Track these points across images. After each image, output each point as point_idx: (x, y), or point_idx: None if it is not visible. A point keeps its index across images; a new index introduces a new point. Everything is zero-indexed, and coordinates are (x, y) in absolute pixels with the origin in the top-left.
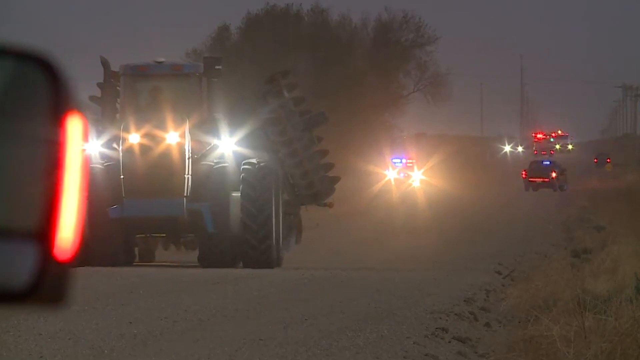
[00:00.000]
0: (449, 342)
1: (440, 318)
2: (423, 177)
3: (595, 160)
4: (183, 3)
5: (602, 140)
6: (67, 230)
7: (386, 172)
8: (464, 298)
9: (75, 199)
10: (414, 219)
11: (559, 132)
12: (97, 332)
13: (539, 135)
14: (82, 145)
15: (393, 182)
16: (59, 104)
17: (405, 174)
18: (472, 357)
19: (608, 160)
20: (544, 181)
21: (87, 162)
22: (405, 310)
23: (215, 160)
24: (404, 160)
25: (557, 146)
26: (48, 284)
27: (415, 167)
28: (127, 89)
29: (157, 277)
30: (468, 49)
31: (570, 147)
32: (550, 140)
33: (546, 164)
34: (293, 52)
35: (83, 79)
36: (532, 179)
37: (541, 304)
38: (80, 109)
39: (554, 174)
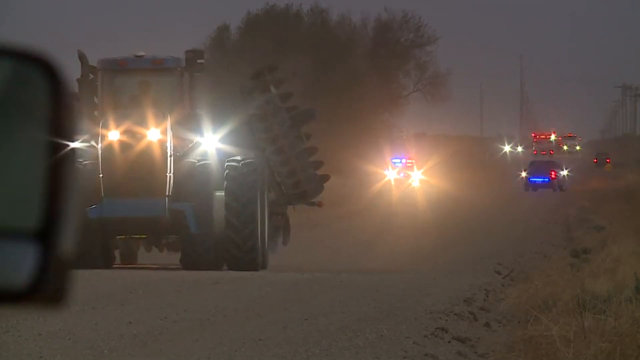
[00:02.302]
0: (449, 342)
1: (440, 318)
2: (423, 177)
3: (595, 160)
4: (183, 3)
5: (602, 140)
6: (67, 230)
7: (386, 172)
8: (463, 298)
9: (74, 199)
10: (413, 219)
11: (568, 133)
12: (97, 332)
13: (541, 137)
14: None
15: (393, 182)
16: (58, 104)
17: (405, 174)
18: (471, 357)
19: (607, 160)
20: (543, 181)
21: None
22: (405, 310)
23: (198, 158)
24: (403, 160)
25: (565, 147)
26: (48, 284)
27: (415, 167)
28: (106, 84)
29: (157, 277)
30: (468, 49)
31: (578, 148)
32: (549, 140)
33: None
34: (293, 52)
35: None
36: (532, 179)
37: (541, 304)
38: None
39: (553, 174)
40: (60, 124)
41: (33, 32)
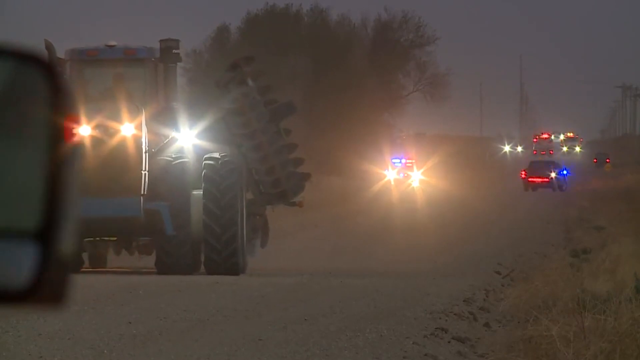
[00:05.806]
0: (449, 342)
1: (440, 318)
2: (422, 177)
3: (595, 160)
4: (183, 3)
5: (602, 141)
6: (67, 230)
7: (386, 172)
8: (463, 298)
9: (75, 199)
10: (413, 219)
11: (569, 134)
12: (96, 332)
13: (544, 136)
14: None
15: (392, 182)
16: (58, 104)
17: (404, 174)
18: (471, 357)
19: (607, 160)
20: (543, 181)
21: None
22: (405, 310)
23: (173, 155)
24: (403, 160)
25: (565, 148)
26: (48, 284)
27: (414, 167)
28: (75, 76)
29: (157, 277)
30: (467, 49)
31: (578, 149)
32: (549, 140)
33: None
34: (293, 52)
35: None
36: (532, 179)
37: (540, 304)
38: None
39: (553, 174)
40: (59, 124)
41: (34, 31)
